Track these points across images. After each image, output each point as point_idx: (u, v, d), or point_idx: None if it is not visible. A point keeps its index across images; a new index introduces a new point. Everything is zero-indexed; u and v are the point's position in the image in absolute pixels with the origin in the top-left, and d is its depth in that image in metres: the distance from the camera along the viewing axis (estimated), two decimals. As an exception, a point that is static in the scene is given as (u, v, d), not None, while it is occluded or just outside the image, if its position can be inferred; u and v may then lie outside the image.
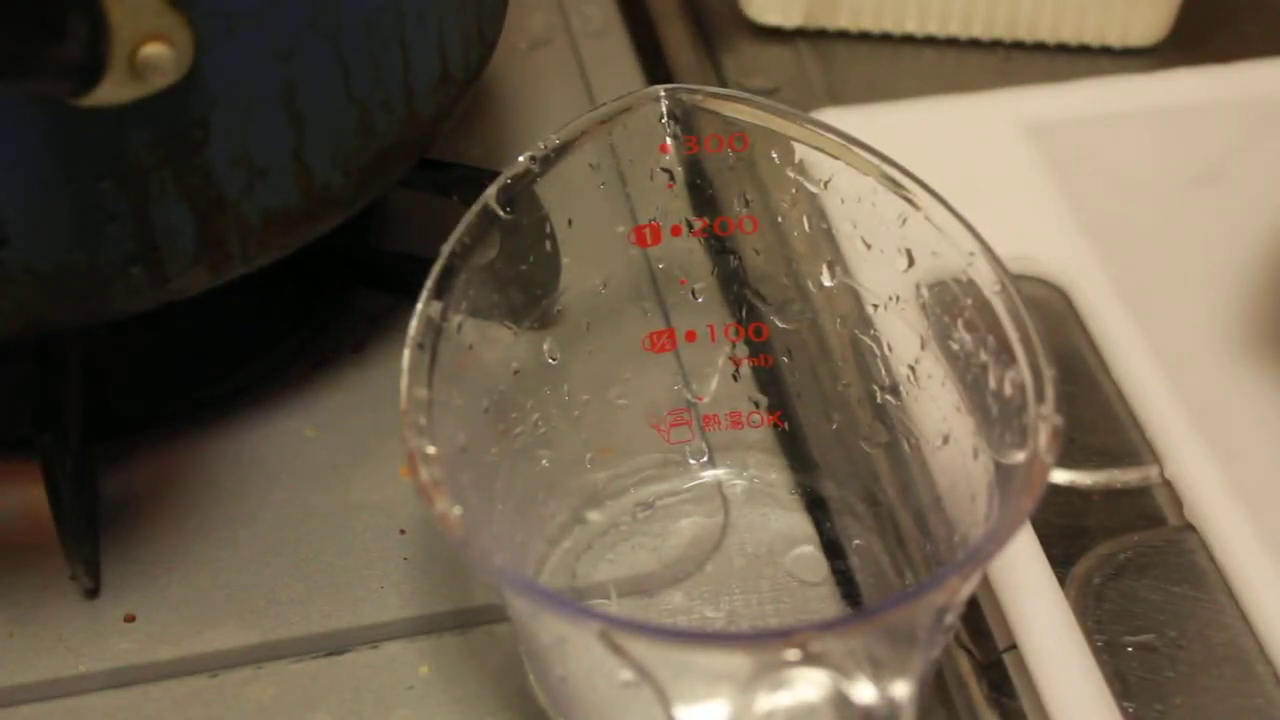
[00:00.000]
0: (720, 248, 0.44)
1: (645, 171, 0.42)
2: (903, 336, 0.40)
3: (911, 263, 0.39)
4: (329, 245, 0.45)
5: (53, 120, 0.36)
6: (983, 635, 0.43)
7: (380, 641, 0.43)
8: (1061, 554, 0.44)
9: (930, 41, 0.63)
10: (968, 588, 0.33)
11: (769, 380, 0.46)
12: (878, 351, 0.41)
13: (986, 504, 0.36)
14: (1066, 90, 0.58)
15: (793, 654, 0.31)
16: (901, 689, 0.33)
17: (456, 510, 0.34)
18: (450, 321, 0.37)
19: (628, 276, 0.44)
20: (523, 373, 0.42)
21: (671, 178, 0.42)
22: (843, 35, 0.63)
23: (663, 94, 0.41)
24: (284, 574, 0.44)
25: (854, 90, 0.60)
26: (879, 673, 0.32)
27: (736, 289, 0.44)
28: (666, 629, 0.39)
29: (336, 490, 0.46)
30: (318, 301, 0.51)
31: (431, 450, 0.34)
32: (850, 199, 0.40)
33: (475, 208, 0.39)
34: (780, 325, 0.44)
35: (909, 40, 0.63)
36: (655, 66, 0.62)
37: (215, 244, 0.40)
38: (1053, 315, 0.51)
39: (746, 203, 0.42)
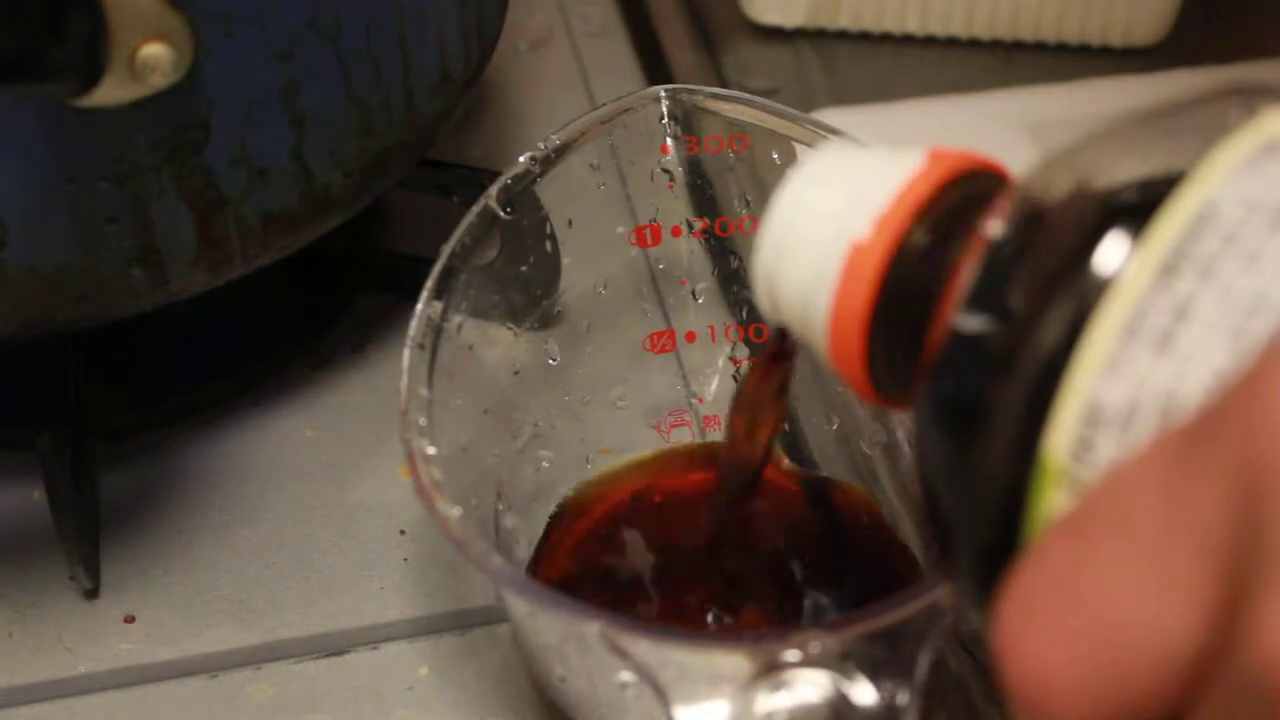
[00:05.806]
0: (721, 248, 0.44)
1: (645, 172, 0.42)
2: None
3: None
4: (329, 245, 0.45)
5: (53, 120, 0.36)
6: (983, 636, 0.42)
7: (380, 642, 0.43)
8: (1062, 555, 0.44)
9: (931, 42, 0.63)
10: (968, 589, 0.33)
11: (769, 381, 0.46)
12: (878, 352, 0.41)
13: (987, 505, 0.36)
14: (1068, 90, 0.58)
15: (793, 655, 0.31)
16: (901, 690, 0.33)
17: (456, 511, 0.34)
18: (450, 322, 0.37)
19: (628, 277, 0.44)
20: (523, 373, 0.42)
21: (672, 178, 0.42)
22: (843, 35, 0.63)
23: (663, 94, 0.41)
24: (284, 575, 0.44)
25: (855, 90, 0.60)
26: (879, 674, 0.32)
27: (737, 289, 0.44)
28: (667, 629, 0.39)
29: (336, 490, 0.46)
30: (318, 302, 0.51)
31: (431, 450, 0.34)
32: (851, 199, 0.40)
33: (476, 208, 0.39)
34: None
35: (910, 40, 0.63)
36: (655, 66, 0.62)
37: (215, 245, 0.40)
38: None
39: (747, 203, 0.42)
